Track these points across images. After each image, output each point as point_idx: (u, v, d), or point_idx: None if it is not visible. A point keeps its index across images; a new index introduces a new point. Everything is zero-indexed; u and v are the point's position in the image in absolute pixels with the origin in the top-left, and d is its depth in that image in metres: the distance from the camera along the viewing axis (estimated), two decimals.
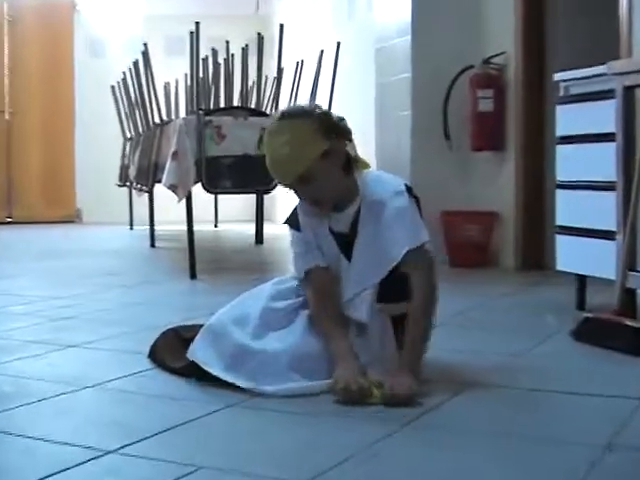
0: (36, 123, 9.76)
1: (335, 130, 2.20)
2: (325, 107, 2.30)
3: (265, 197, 6.57)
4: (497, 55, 5.11)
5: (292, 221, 2.35)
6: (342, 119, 2.25)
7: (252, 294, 2.42)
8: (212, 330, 2.30)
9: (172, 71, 7.68)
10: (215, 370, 2.20)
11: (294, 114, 2.22)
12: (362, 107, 6.27)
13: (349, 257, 2.26)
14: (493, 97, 5.08)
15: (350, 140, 2.24)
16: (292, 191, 2.26)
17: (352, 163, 2.26)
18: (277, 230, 7.64)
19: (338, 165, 2.22)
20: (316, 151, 2.16)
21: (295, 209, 2.35)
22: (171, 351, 2.45)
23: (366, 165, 2.32)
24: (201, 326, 2.35)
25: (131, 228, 8.43)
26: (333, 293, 2.28)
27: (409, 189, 2.26)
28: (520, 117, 5.04)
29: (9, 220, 9.64)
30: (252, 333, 2.25)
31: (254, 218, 7.00)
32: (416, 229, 2.21)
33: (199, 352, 2.27)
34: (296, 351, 2.19)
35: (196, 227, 4.80)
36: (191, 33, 4.75)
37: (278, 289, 2.38)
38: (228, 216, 8.96)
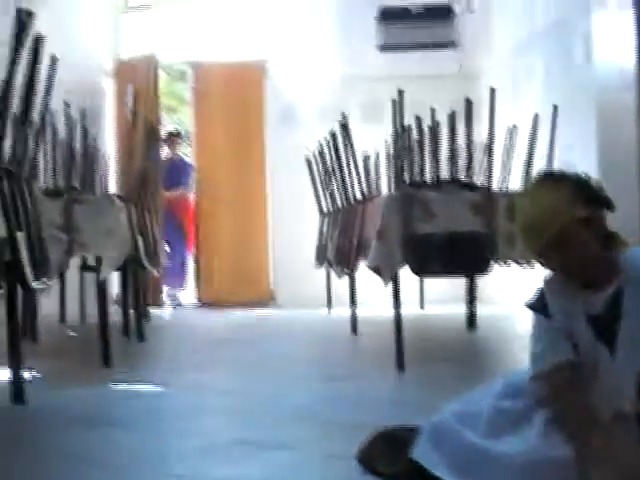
0: (225, 198, 10.14)
1: (596, 198, 2.19)
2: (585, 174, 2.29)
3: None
4: None
5: (537, 304, 2.27)
6: (602, 188, 2.23)
7: (479, 391, 2.38)
8: (436, 430, 2.29)
9: (369, 138, 7.84)
10: (441, 472, 2.20)
11: (552, 177, 2.24)
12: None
13: (609, 344, 2.18)
14: None
15: (612, 211, 2.22)
16: (541, 262, 2.25)
17: (612, 238, 2.22)
18: (492, 312, 7.59)
19: (596, 236, 2.18)
20: (573, 214, 2.15)
21: (541, 290, 2.29)
22: (384, 454, 2.47)
23: (625, 243, 2.26)
24: (417, 427, 2.36)
25: (329, 312, 8.59)
26: (584, 392, 2.19)
27: None
28: None
29: (197, 303, 10.05)
30: (483, 434, 2.22)
31: (464, 298, 6.98)
32: None
33: (422, 453, 2.27)
34: (534, 457, 2.14)
35: (401, 310, 4.84)
36: (393, 101, 4.86)
37: (509, 386, 2.32)
38: (435, 296, 8.94)
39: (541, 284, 2.29)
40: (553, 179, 2.22)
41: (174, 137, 10.65)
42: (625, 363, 2.15)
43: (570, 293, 2.22)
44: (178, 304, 10.16)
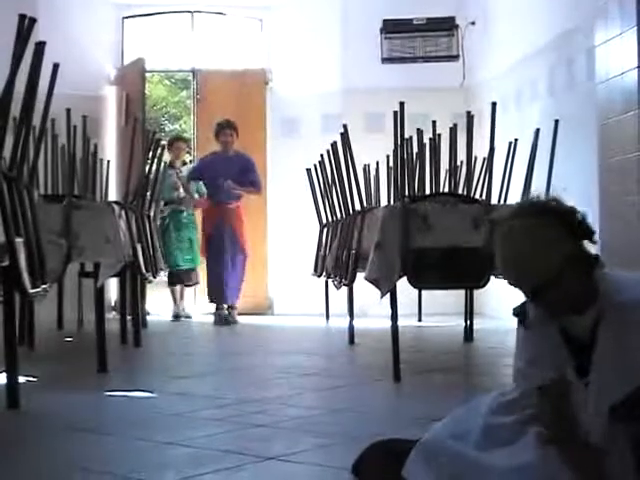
0: None
1: (579, 231, 2.16)
2: (564, 201, 2.21)
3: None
4: None
5: (521, 314, 2.27)
6: (585, 216, 2.19)
7: (470, 408, 2.39)
8: (427, 447, 2.29)
9: (371, 150, 7.86)
10: None
11: (534, 211, 2.17)
12: (583, 190, 6.19)
13: (582, 367, 2.17)
14: None
15: (593, 242, 2.19)
16: (522, 292, 2.21)
17: (592, 262, 2.18)
18: (489, 325, 7.59)
19: (580, 268, 2.15)
20: (560, 256, 2.11)
21: (525, 300, 2.26)
22: (380, 468, 2.46)
23: (602, 265, 2.22)
24: (413, 440, 2.36)
25: (327, 322, 8.60)
26: (569, 409, 2.19)
27: None
28: None
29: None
30: (474, 449, 2.22)
31: (462, 311, 6.99)
32: None
33: (413, 472, 2.27)
34: (526, 466, 2.14)
35: (399, 322, 4.84)
36: (395, 113, 4.87)
37: (500, 402, 2.33)
38: (432, 308, 8.94)
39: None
40: (539, 212, 2.16)
41: (175, 142, 10.05)
42: (597, 395, 2.13)
43: (549, 314, 2.20)
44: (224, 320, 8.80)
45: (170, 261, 9.04)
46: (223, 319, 8.68)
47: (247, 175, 9.05)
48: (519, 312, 2.28)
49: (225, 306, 8.85)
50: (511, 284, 2.21)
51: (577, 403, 2.19)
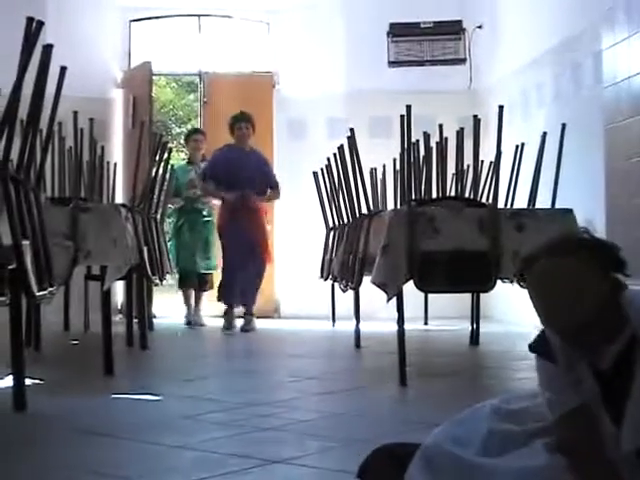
0: None
1: (612, 264, 2.06)
2: (594, 234, 2.12)
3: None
4: None
5: (541, 347, 2.17)
6: (618, 249, 2.08)
7: (471, 412, 2.38)
8: (428, 452, 2.28)
9: (377, 153, 7.87)
10: None
11: (574, 249, 2.06)
12: (589, 195, 6.20)
13: (611, 405, 2.07)
14: None
15: (626, 275, 2.07)
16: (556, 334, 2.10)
17: (621, 289, 2.07)
18: (496, 329, 7.59)
19: (613, 302, 2.03)
20: (601, 297, 2.00)
21: (543, 332, 2.17)
22: (385, 473, 2.46)
23: (625, 287, 2.11)
24: (418, 445, 2.35)
25: (333, 325, 8.60)
26: (599, 439, 2.08)
27: None
28: None
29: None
30: (476, 452, 2.20)
31: (468, 314, 6.98)
32: None
33: (415, 477, 2.27)
34: (532, 470, 2.10)
35: (405, 325, 4.84)
36: (401, 117, 4.87)
37: (508, 409, 2.29)
38: (439, 312, 8.93)
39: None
40: (578, 253, 2.04)
41: (192, 135, 9.44)
42: (633, 428, 2.03)
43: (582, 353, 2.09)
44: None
45: (181, 263, 8.77)
46: (231, 325, 8.14)
47: (266, 177, 8.47)
48: (536, 347, 2.18)
49: (238, 310, 8.26)
50: (547, 327, 2.11)
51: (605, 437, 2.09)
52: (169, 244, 8.55)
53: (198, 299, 8.97)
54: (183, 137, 9.27)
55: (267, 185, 8.47)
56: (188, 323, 8.83)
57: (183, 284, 8.96)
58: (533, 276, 2.06)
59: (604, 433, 2.08)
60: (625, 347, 2.04)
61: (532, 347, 2.18)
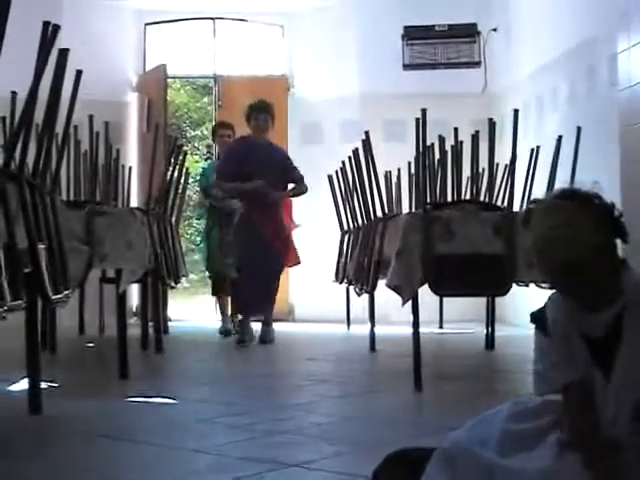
0: None
1: (614, 226, 2.19)
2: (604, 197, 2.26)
3: None
4: None
5: (539, 320, 2.29)
6: (622, 215, 2.22)
7: (487, 415, 2.38)
8: (446, 453, 2.28)
9: (392, 156, 7.85)
10: None
11: (576, 196, 2.22)
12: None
13: (604, 367, 2.17)
14: None
15: (626, 242, 2.20)
16: (549, 280, 2.25)
17: (619, 261, 2.20)
18: (511, 333, 7.57)
19: (608, 263, 2.17)
20: (593, 241, 2.13)
21: (544, 307, 2.29)
22: (400, 477, 2.46)
23: (629, 268, 2.24)
24: (433, 449, 2.35)
25: (348, 328, 8.59)
26: (593, 411, 2.17)
27: None
28: None
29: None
30: (493, 453, 2.21)
31: (483, 318, 6.97)
32: None
33: (432, 478, 2.27)
34: (549, 471, 2.12)
35: (420, 329, 4.83)
36: (416, 120, 4.87)
37: (519, 410, 2.32)
38: (454, 315, 8.92)
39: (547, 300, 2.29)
40: (579, 199, 2.20)
41: (218, 129, 8.65)
42: (621, 391, 2.14)
43: (569, 313, 2.21)
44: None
45: (209, 267, 8.39)
46: (245, 338, 7.23)
47: (287, 172, 7.66)
48: (537, 318, 2.29)
49: (252, 320, 7.45)
50: (540, 262, 2.20)
51: (600, 404, 2.18)
52: (201, 246, 8.30)
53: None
54: (210, 132, 9.01)
55: (288, 182, 7.71)
56: (226, 332, 8.09)
57: (216, 291, 8.41)
58: (535, 212, 2.21)
59: (600, 403, 2.15)
60: (615, 319, 2.15)
61: (533, 316, 2.31)
